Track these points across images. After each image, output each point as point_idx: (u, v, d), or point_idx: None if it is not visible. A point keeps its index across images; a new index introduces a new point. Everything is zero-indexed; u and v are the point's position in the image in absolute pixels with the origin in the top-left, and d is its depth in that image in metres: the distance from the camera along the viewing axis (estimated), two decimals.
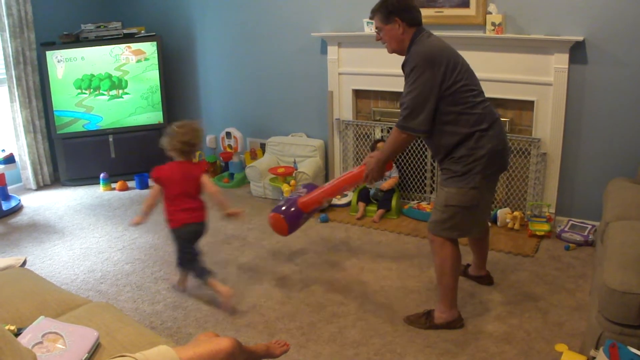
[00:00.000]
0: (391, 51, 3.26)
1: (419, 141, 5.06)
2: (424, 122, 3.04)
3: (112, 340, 2.27)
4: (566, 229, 4.47)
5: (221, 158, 6.35)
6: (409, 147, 5.15)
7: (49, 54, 5.87)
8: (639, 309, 2.51)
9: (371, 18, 3.26)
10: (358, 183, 3.67)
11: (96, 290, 3.91)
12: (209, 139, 6.49)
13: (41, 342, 2.13)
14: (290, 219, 3.76)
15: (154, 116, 6.35)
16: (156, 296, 3.79)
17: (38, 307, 2.52)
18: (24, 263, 4.21)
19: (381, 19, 3.17)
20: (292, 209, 3.78)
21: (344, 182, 3.67)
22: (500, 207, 4.79)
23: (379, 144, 5.13)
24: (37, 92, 6.02)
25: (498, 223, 4.68)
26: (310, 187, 3.96)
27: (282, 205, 3.82)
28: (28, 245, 4.67)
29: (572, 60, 4.34)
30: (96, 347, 2.19)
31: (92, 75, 6.05)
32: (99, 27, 6.09)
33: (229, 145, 6.23)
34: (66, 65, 5.94)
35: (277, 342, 2.92)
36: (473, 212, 3.16)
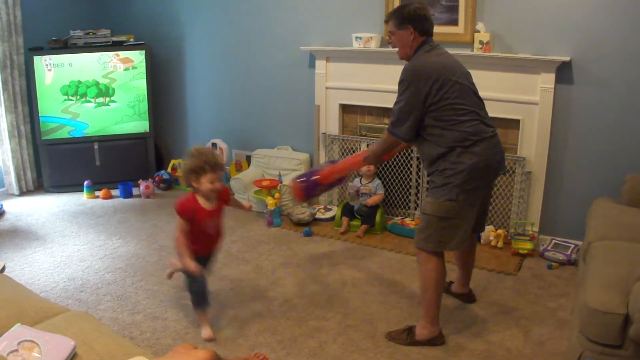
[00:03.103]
0: (401, 57, 3.33)
1: (403, 158, 5.09)
2: (407, 132, 3.19)
3: (88, 349, 2.24)
4: (549, 248, 4.48)
5: None
6: (394, 164, 5.17)
7: (36, 58, 5.84)
8: (619, 329, 2.52)
9: (386, 22, 3.35)
10: (357, 167, 4.01)
11: (76, 298, 3.86)
12: None
13: (17, 350, 2.10)
14: (307, 188, 3.84)
15: (140, 125, 6.32)
16: (136, 306, 3.76)
17: (15, 314, 2.48)
18: (3, 269, 4.17)
19: (395, 23, 3.23)
20: (311, 179, 3.85)
21: (349, 165, 3.86)
22: None
23: None
24: (24, 97, 5.98)
25: (482, 241, 4.68)
26: (334, 162, 4.13)
27: (303, 175, 3.93)
28: (8, 251, 4.61)
29: (558, 80, 4.38)
30: (72, 357, 2.16)
31: (80, 82, 6.02)
32: (88, 33, 6.08)
33: None
34: (54, 70, 5.91)
35: (256, 355, 2.91)
36: (448, 224, 3.17)
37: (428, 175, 3.31)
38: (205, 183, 3.21)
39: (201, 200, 3.28)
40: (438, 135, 3.13)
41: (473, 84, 3.23)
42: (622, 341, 2.55)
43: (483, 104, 3.28)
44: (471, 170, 3.08)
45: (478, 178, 3.13)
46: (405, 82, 3.12)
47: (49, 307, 2.65)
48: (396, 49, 3.33)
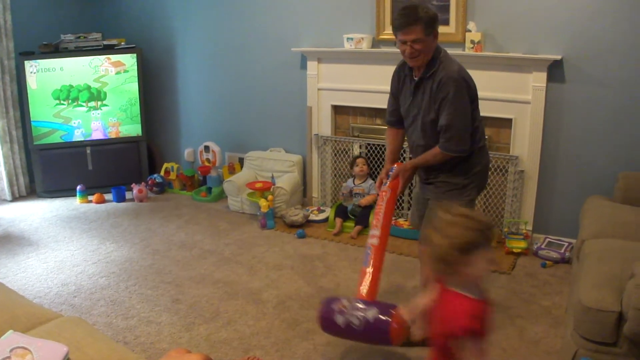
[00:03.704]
0: (420, 64, 3.02)
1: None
2: (469, 142, 3.06)
3: (82, 355, 2.23)
4: (543, 246, 4.49)
5: (199, 172, 6.31)
6: None
7: (27, 63, 5.81)
8: (613, 326, 2.52)
9: (406, 28, 2.93)
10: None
11: (69, 304, 3.85)
12: (187, 152, 6.46)
13: (9, 357, 2.09)
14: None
15: (133, 128, 6.31)
16: (130, 311, 3.74)
17: (8, 321, 2.46)
18: None
19: (424, 29, 2.91)
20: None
21: (389, 217, 3.39)
22: None
23: (358, 160, 5.13)
24: (15, 102, 5.95)
25: None
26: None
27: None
28: (1, 257, 4.58)
29: (550, 79, 4.39)
30: None
31: (71, 86, 6.00)
32: (79, 37, 6.06)
33: (207, 159, 6.20)
34: (45, 75, 5.89)
35: (250, 358, 2.89)
36: None
37: (436, 177, 3.21)
38: (481, 263, 1.90)
39: (461, 290, 1.97)
40: None
41: None
42: (616, 339, 2.55)
43: None
44: (485, 168, 3.23)
45: (486, 176, 3.31)
46: (459, 91, 2.94)
47: (41, 313, 2.64)
48: (408, 56, 3.01)
